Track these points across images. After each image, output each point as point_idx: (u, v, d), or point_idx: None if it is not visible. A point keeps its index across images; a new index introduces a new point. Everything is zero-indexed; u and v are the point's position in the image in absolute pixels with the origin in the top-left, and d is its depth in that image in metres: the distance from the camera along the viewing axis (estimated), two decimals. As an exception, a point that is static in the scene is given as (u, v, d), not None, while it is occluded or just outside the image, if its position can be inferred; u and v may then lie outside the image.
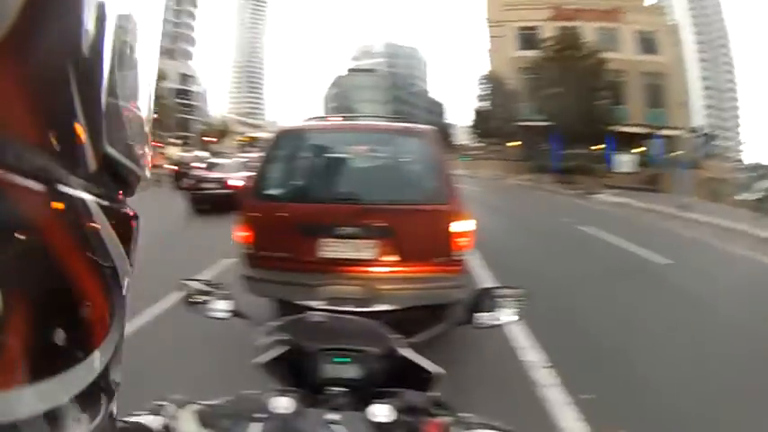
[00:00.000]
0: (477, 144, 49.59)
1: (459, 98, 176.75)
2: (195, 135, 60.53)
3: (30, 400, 0.31)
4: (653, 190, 27.15)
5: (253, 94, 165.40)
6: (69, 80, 0.33)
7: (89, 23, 0.35)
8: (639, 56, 37.66)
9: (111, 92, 0.39)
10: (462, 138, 56.26)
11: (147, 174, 0.51)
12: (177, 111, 64.33)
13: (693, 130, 23.90)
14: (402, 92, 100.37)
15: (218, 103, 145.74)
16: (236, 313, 1.49)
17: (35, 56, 0.30)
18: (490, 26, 42.92)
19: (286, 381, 1.33)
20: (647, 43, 38.02)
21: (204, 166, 17.39)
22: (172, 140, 49.51)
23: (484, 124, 38.31)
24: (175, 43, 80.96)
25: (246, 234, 4.55)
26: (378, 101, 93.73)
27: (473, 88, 42.15)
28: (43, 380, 0.32)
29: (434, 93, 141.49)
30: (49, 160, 0.33)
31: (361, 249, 4.42)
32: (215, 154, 31.22)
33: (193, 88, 79.78)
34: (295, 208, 4.62)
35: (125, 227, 0.44)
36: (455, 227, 4.34)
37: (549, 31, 35.81)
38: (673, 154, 24.28)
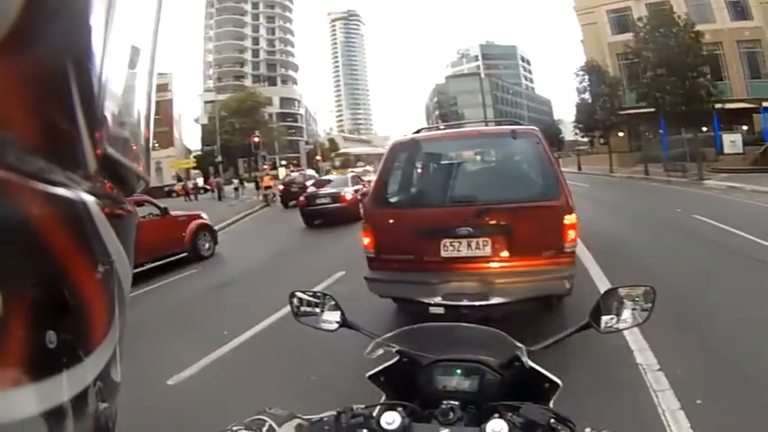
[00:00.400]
0: (583, 138, 47.60)
1: (566, 93, 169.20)
2: (303, 155, 63.10)
3: (30, 399, 0.31)
4: (765, 170, 24.47)
5: (359, 110, 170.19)
6: (69, 80, 0.33)
7: (89, 24, 0.35)
8: (734, 23, 33.81)
9: (112, 92, 0.39)
10: (571, 133, 54.07)
11: (147, 174, 0.52)
12: (284, 134, 67.95)
13: None
14: (504, 93, 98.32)
15: (326, 122, 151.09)
16: (344, 324, 1.48)
17: (35, 56, 0.30)
18: (579, 14, 41.06)
19: (396, 393, 1.30)
20: (738, 8, 33.97)
21: (314, 183, 18.89)
22: (281, 162, 52.08)
23: (586, 117, 36.49)
24: (276, 70, 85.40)
25: (369, 240, 5.04)
26: (480, 104, 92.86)
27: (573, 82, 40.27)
28: (43, 379, 0.32)
29: (540, 90, 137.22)
30: (49, 160, 0.33)
31: (479, 247, 4.75)
32: (324, 172, 32.45)
33: (300, 111, 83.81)
34: (414, 213, 5.08)
35: (125, 227, 0.45)
36: (566, 220, 4.56)
37: (639, 10, 33.48)
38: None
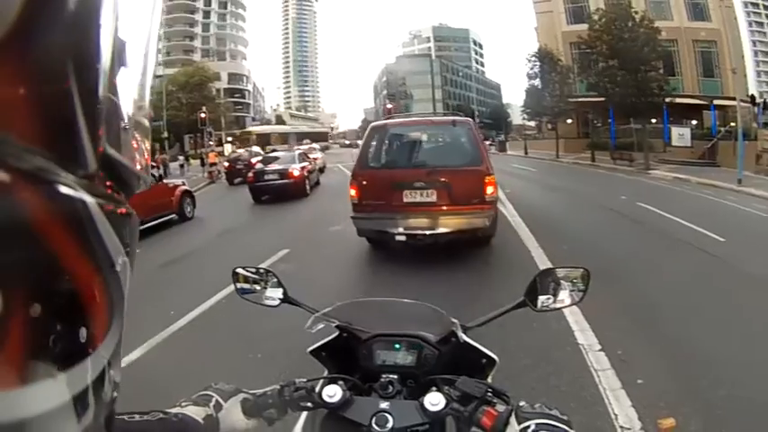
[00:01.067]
0: (530, 123, 48.50)
1: (516, 78, 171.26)
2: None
3: (30, 399, 0.31)
4: (712, 164, 25.56)
5: (307, 88, 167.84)
6: (69, 80, 0.33)
7: (89, 23, 0.35)
8: (691, 23, 35.33)
9: (111, 92, 0.39)
10: (519, 118, 55.11)
11: (147, 174, 0.50)
12: (231, 110, 66.12)
13: (749, 99, 22.29)
14: (454, 75, 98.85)
15: (274, 98, 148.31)
16: (286, 300, 1.48)
17: (35, 56, 0.30)
18: (535, 2, 41.58)
19: (338, 368, 1.34)
20: (698, 9, 35.49)
21: (261, 159, 18.77)
22: (228, 138, 50.66)
23: (535, 103, 37.12)
24: (226, 45, 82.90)
25: (355, 191, 7.38)
26: (429, 85, 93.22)
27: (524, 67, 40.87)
28: (43, 379, 0.32)
29: (491, 74, 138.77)
30: (49, 160, 0.33)
31: (428, 196, 7.13)
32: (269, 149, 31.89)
33: (248, 87, 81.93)
34: (387, 173, 7.49)
35: (125, 226, 0.45)
36: (486, 180, 6.97)
37: (597, 2, 34.12)
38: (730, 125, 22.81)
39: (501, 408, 1.03)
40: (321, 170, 24.32)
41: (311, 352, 1.39)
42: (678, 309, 5.63)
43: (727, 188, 16.77)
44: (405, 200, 7.14)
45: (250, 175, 16.68)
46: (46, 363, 0.33)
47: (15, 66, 0.29)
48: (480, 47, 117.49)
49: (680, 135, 30.27)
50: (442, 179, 7.03)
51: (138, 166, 0.47)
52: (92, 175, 0.37)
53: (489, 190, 6.95)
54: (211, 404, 1.05)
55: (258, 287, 1.51)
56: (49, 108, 0.33)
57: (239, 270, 1.52)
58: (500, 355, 1.32)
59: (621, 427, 3.42)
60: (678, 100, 30.33)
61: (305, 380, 1.15)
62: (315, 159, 22.30)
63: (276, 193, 15.71)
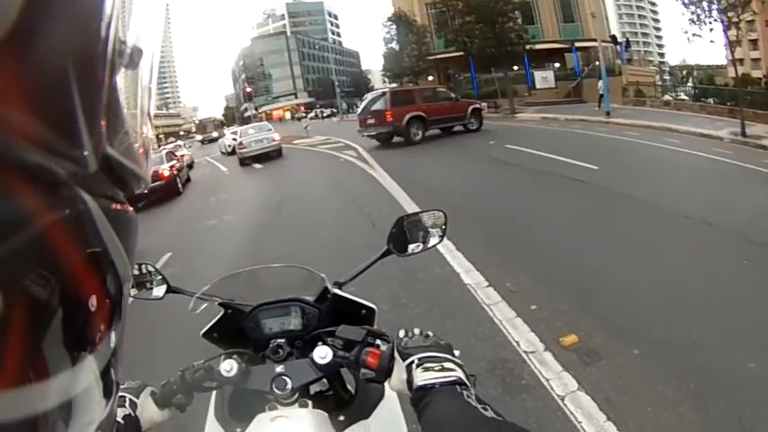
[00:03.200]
0: (393, 85, 49.28)
1: (374, 44, 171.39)
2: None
3: (30, 399, 0.31)
4: (578, 101, 27.20)
5: (165, 85, 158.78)
6: (69, 80, 0.33)
7: (89, 23, 0.35)
8: None
9: (112, 92, 0.39)
10: (380, 82, 55.64)
11: (147, 174, 0.50)
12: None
13: (610, 40, 23.87)
14: (311, 49, 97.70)
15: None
16: (169, 289, 1.47)
17: (35, 56, 0.30)
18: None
19: (231, 346, 1.31)
20: None
21: None
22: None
23: (393, 65, 37.53)
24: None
25: (358, 122, 19.91)
26: (287, 62, 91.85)
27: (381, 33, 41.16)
28: (43, 379, 0.32)
29: (348, 43, 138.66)
30: (49, 160, 0.33)
31: (371, 121, 18.55)
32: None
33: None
34: (361, 115, 19.82)
35: (125, 227, 0.45)
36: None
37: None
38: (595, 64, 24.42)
39: (384, 347, 1.07)
40: (190, 166, 23.63)
41: (203, 335, 1.38)
42: (557, 235, 5.97)
43: (596, 121, 17.69)
44: (366, 123, 18.37)
45: None
46: (46, 362, 0.33)
47: (15, 66, 0.29)
48: (335, 17, 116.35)
49: (543, 78, 31.88)
50: (376, 114, 17.76)
51: (139, 167, 0.47)
52: (92, 174, 0.37)
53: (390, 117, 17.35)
54: (127, 404, 1.06)
55: (142, 282, 1.49)
56: (50, 108, 0.32)
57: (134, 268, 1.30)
58: (392, 309, 1.17)
59: (525, 351, 3.55)
60: (539, 46, 31.66)
61: (202, 361, 1.16)
62: (182, 156, 21.52)
63: (147, 197, 14.25)
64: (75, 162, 0.35)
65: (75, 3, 0.33)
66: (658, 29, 52.22)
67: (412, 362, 0.98)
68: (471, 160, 12.54)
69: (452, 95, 19.53)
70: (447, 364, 0.96)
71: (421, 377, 0.94)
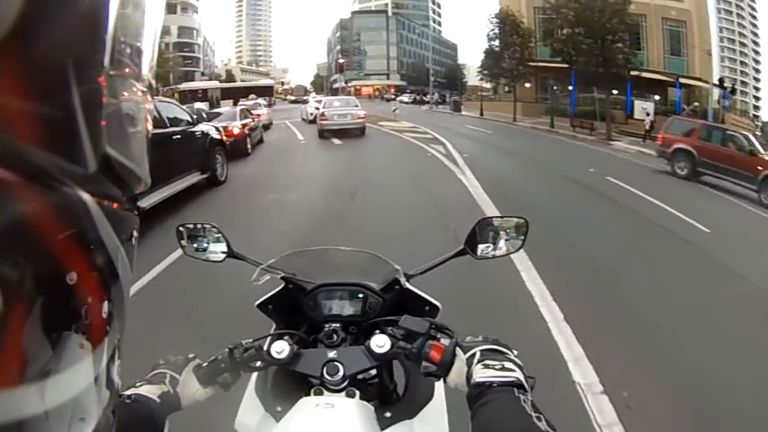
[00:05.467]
0: (487, 85, 48.35)
1: (474, 39, 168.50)
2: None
3: (30, 399, 0.31)
4: None
5: (259, 41, 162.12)
6: (69, 80, 0.33)
7: (89, 23, 0.35)
8: (662, 0, 35.42)
9: (112, 92, 0.39)
10: (475, 79, 54.71)
11: (147, 174, 0.50)
12: (180, 65, 63.30)
13: (719, 83, 22.57)
14: (410, 32, 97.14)
15: (225, 52, 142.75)
16: (230, 254, 1.45)
17: (35, 56, 0.31)
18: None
19: (284, 320, 1.35)
20: None
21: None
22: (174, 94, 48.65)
23: (493, 64, 36.79)
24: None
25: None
26: (383, 41, 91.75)
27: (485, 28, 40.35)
28: (43, 379, 0.32)
29: (448, 33, 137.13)
30: (49, 160, 0.33)
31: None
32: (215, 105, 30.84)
33: (198, 41, 78.28)
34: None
35: (125, 227, 0.45)
36: (361, 113, 21.00)
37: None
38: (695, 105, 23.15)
39: (446, 341, 1.04)
40: (266, 127, 23.40)
41: (258, 306, 1.38)
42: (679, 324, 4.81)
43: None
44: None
45: None
46: (46, 362, 0.33)
47: (16, 66, 0.29)
48: (439, 6, 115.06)
49: (643, 108, 30.49)
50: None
51: (139, 167, 0.47)
52: (92, 175, 0.37)
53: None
54: (166, 380, 1.05)
55: (203, 243, 1.49)
56: (50, 108, 0.33)
57: (181, 228, 1.49)
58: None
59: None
60: (644, 74, 30.51)
61: (251, 340, 1.15)
62: (258, 116, 21.29)
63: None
64: (74, 162, 0.35)
65: (75, 3, 0.33)
66: (758, 79, 48.79)
67: (473, 354, 1.00)
68: (576, 189, 11.79)
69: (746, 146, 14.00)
70: (507, 364, 0.95)
71: (480, 373, 0.94)
